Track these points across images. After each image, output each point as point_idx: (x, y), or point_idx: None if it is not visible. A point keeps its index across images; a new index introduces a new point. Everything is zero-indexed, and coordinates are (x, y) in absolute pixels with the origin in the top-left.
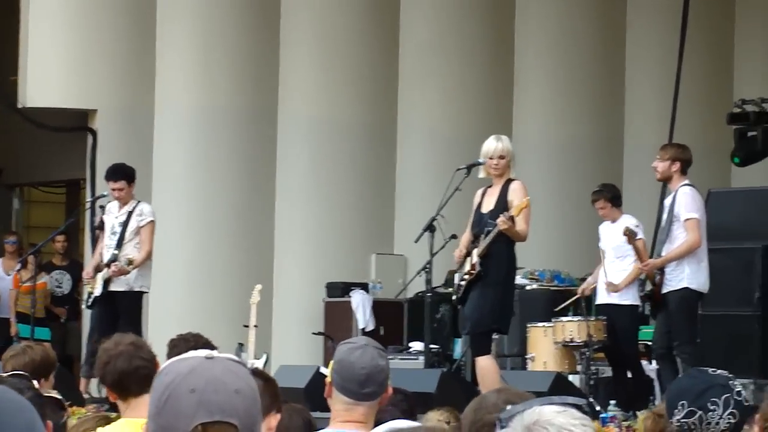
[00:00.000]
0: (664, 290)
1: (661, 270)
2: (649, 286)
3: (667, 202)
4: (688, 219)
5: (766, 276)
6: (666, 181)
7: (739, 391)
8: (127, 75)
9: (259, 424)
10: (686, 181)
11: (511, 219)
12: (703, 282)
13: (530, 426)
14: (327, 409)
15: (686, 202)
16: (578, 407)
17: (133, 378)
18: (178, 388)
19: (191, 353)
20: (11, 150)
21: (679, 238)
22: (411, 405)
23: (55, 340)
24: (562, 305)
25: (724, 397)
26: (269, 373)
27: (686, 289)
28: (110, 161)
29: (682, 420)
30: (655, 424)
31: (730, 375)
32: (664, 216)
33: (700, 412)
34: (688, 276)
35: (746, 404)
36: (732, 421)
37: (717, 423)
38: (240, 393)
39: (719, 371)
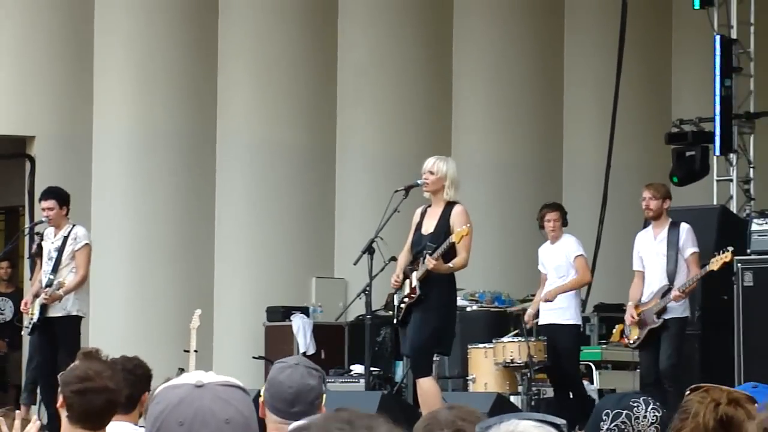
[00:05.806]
0: (668, 315)
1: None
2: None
3: (661, 236)
4: (693, 253)
5: (705, 295)
6: (655, 218)
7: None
8: (64, 100)
9: None
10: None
11: (452, 246)
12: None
13: None
14: None
15: (693, 239)
16: (556, 426)
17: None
18: (168, 419)
19: (182, 378)
20: None
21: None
22: None
23: None
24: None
25: (642, 398)
26: None
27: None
28: None
29: (612, 426)
30: None
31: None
32: (657, 248)
33: (626, 411)
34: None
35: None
36: (657, 414)
37: (645, 416)
38: (231, 422)
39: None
